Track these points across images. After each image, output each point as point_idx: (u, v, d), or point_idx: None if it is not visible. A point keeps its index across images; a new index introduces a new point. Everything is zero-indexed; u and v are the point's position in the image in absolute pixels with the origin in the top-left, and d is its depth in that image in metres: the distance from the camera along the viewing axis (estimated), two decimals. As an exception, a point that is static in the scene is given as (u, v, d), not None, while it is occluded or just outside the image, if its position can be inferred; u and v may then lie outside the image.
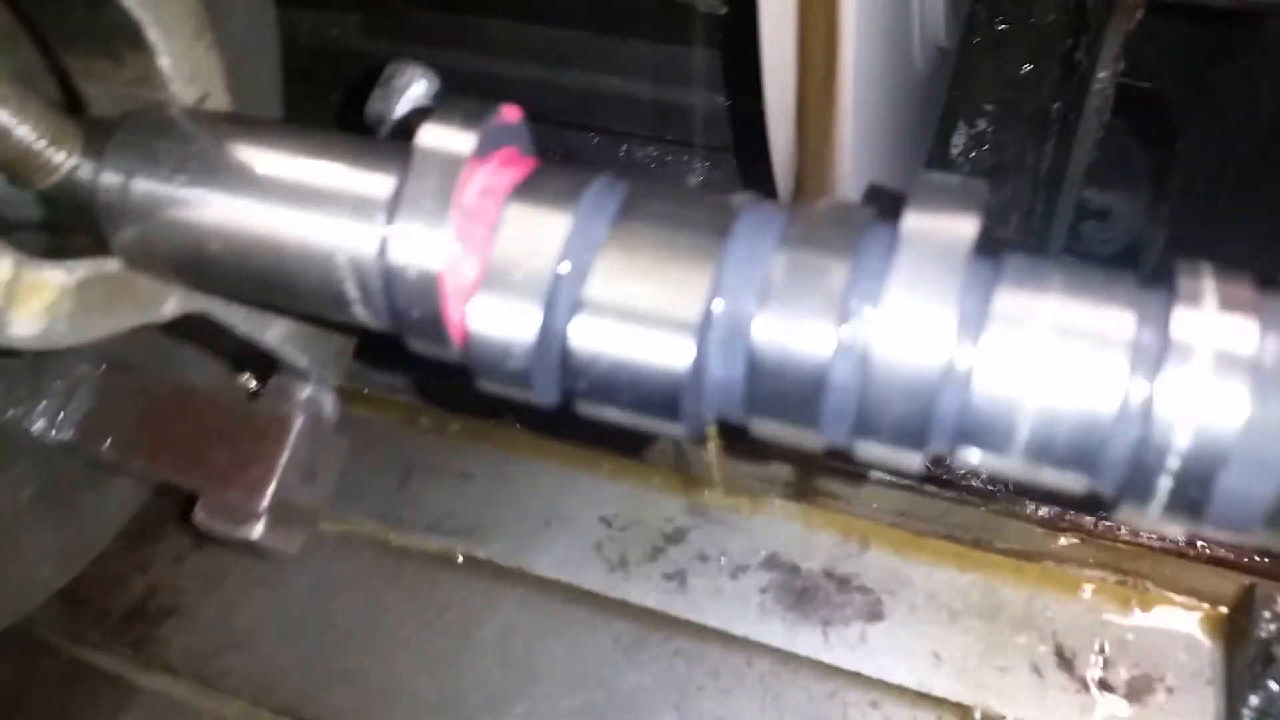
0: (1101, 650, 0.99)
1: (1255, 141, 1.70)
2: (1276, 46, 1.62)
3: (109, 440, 0.87)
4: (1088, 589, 1.03)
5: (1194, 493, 0.45)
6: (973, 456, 0.50)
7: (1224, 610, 0.99)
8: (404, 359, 1.30)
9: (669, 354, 0.52)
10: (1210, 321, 0.45)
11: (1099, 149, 1.80)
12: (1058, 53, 1.90)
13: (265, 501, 0.78)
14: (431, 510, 1.16)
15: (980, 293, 0.49)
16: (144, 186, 0.64)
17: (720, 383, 0.53)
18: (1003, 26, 1.97)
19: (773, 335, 0.50)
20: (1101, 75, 1.18)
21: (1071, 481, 0.49)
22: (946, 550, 1.07)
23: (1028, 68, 1.96)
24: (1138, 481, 0.46)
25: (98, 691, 1.06)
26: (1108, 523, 1.08)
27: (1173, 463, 0.45)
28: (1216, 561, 1.01)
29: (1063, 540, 1.06)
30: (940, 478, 1.17)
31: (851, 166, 1.02)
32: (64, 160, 0.65)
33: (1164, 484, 0.46)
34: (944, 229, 0.50)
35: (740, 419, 0.55)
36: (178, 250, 0.65)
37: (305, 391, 0.81)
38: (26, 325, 0.63)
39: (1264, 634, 0.90)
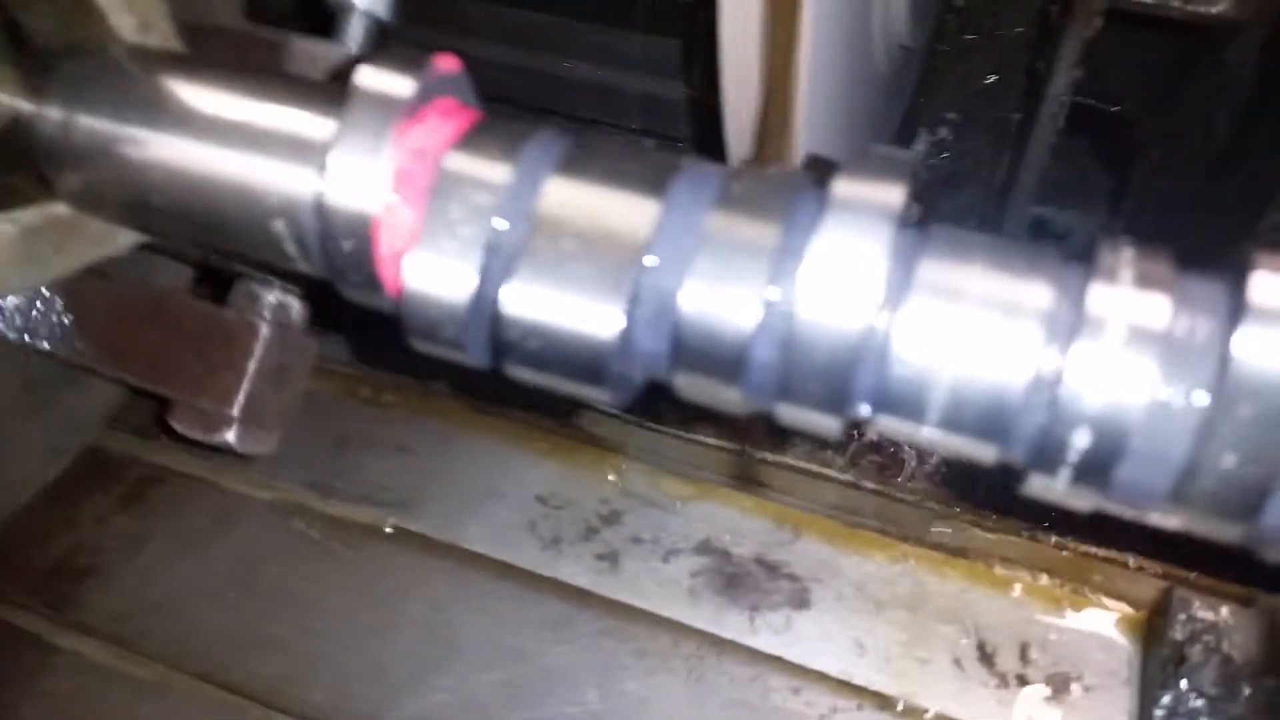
0: (1023, 647, 1.00)
1: (1208, 164, 1.73)
2: (1233, 70, 1.65)
3: (81, 345, 0.87)
4: (1013, 587, 1.05)
5: (1100, 466, 0.46)
6: (889, 423, 0.50)
7: (1142, 613, 1.00)
8: (346, 328, 1.28)
9: (597, 324, 0.51)
10: (1125, 297, 0.46)
11: (1058, 166, 1.83)
12: (1022, 65, 1.93)
13: (237, 409, 0.80)
14: (365, 481, 1.15)
15: (905, 260, 0.49)
16: (85, 127, 0.63)
17: (648, 349, 0.53)
18: (970, 36, 2.00)
19: (699, 302, 0.50)
20: (1059, 82, 1.19)
21: (983, 451, 0.49)
22: (877, 542, 1.08)
23: (992, 78, 1.99)
24: (1046, 453, 0.47)
25: (16, 651, 1.03)
26: (1035, 524, 1.10)
27: (1080, 435, 0.45)
28: (1137, 566, 1.02)
29: (991, 538, 1.07)
30: (874, 473, 1.19)
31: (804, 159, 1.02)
32: (4, 100, 0.63)
33: (1071, 456, 0.46)
34: (872, 195, 0.50)
35: (666, 379, 0.54)
36: (119, 194, 0.64)
37: (272, 297, 0.81)
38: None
39: (1178, 636, 0.92)
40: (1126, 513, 0.49)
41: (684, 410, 1.23)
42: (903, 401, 0.49)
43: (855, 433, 1.54)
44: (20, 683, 1.01)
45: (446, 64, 0.59)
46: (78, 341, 0.86)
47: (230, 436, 0.81)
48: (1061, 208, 2.02)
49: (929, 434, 0.50)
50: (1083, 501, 0.48)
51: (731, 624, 1.03)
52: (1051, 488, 0.48)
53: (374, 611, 1.06)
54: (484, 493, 1.14)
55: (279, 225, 0.60)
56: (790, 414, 0.52)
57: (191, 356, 0.83)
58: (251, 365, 0.81)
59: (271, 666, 1.02)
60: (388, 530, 1.12)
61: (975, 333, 0.47)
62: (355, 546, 1.11)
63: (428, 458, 1.17)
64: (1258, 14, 1.02)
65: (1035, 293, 0.47)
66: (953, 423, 0.49)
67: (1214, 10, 1.02)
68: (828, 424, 0.51)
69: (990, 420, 0.48)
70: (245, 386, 0.81)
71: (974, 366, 0.47)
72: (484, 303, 0.54)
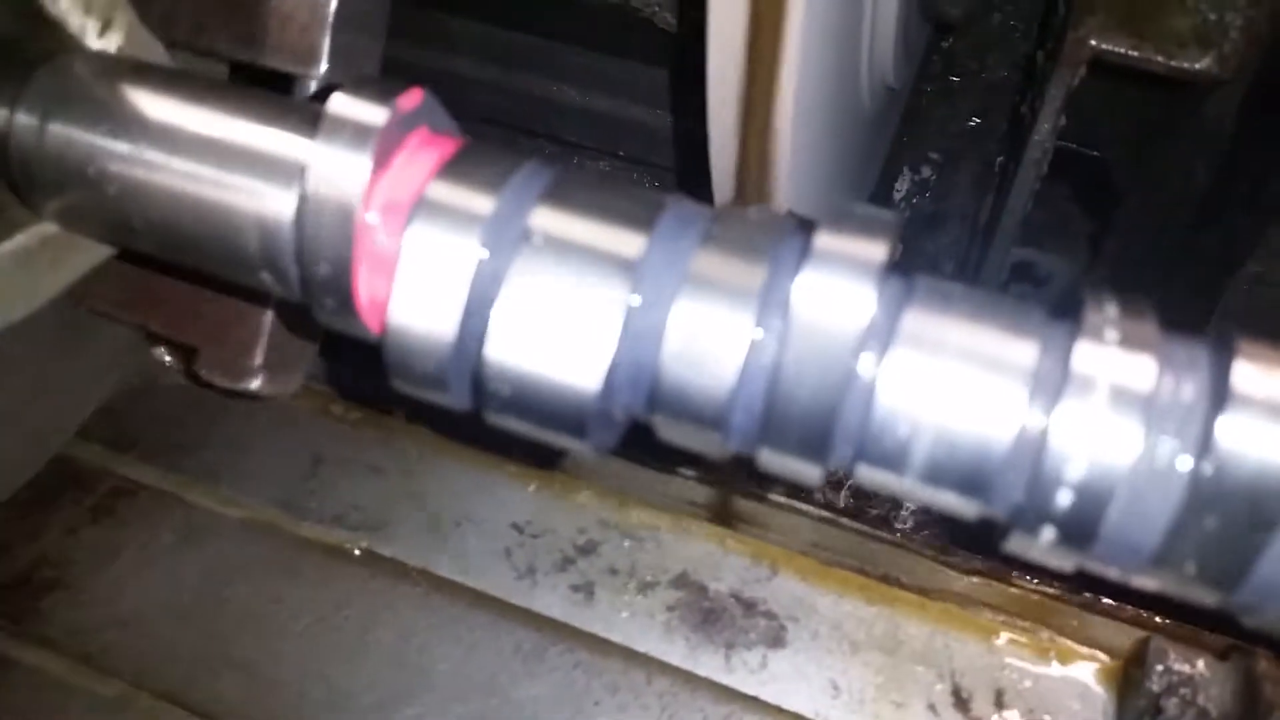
0: (998, 693, 1.00)
1: (1187, 215, 1.75)
2: (1212, 123, 1.67)
3: (103, 295, 0.86)
4: (990, 632, 1.04)
5: (1082, 526, 0.45)
6: (871, 474, 0.50)
7: (1118, 662, 1.00)
8: (325, 348, 1.28)
9: (580, 367, 0.51)
10: (1110, 357, 0.45)
11: (1041, 211, 1.84)
12: (1006, 109, 1.95)
13: (259, 358, 0.80)
14: (338, 502, 1.14)
15: (891, 309, 0.49)
16: (57, 138, 0.62)
17: (629, 388, 0.53)
18: (955, 79, 2.02)
19: (683, 343, 0.50)
20: (1043, 128, 1.20)
21: (965, 506, 0.49)
22: (854, 582, 1.07)
23: (976, 121, 2.01)
24: (1029, 511, 0.46)
25: (-31, 662, 1.01)
26: (1013, 569, 1.09)
27: (1064, 495, 0.45)
28: (1115, 615, 1.02)
29: (969, 581, 1.07)
30: (853, 512, 1.19)
31: (790, 194, 1.02)
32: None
33: (1054, 516, 0.46)
34: (857, 243, 0.50)
35: (647, 420, 0.54)
36: (91, 210, 0.63)
37: None
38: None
39: (1155, 687, 0.91)
40: (1110, 573, 0.48)
41: (664, 447, 1.22)
42: (885, 452, 0.49)
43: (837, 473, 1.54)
44: (-24, 698, 0.99)
45: (411, 100, 0.58)
46: (100, 290, 0.85)
47: (255, 384, 0.82)
48: (1043, 251, 2.04)
49: (910, 486, 0.49)
50: (1064, 561, 0.48)
51: (706, 661, 1.02)
52: (1033, 546, 0.48)
53: (342, 636, 1.04)
54: (459, 518, 1.12)
55: (253, 248, 0.59)
56: (771, 460, 0.51)
57: (212, 306, 0.82)
58: (270, 313, 0.81)
59: (235, 689, 1.01)
60: (358, 553, 1.11)
61: (960, 387, 0.47)
62: (325, 569, 1.10)
63: (403, 480, 1.15)
64: (1238, 71, 1.03)
65: (1021, 349, 0.47)
66: (934, 476, 0.48)
67: (1197, 66, 1.03)
68: (809, 472, 0.51)
69: (972, 476, 0.47)
70: (266, 334, 0.81)
71: (958, 421, 0.47)
72: (468, 339, 0.53)
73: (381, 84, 0.57)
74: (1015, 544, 0.48)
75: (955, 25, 1.70)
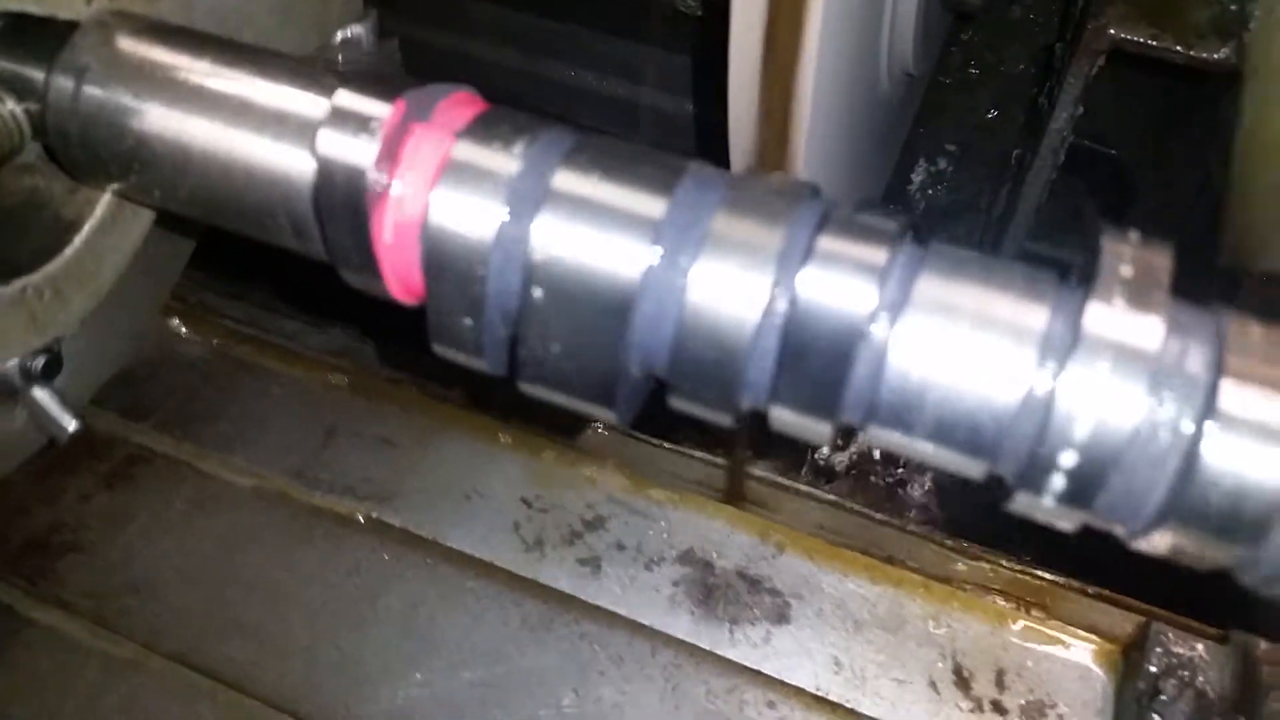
0: (999, 673, 1.01)
1: (1201, 212, 1.76)
2: (1227, 120, 1.67)
3: None
4: (993, 614, 1.05)
5: (1085, 486, 0.46)
6: (880, 433, 0.51)
7: (1118, 646, 1.01)
8: (339, 321, 1.29)
9: (603, 334, 0.53)
10: (1118, 321, 0.46)
11: (1056, 205, 1.84)
12: (1024, 101, 1.95)
13: None
14: (350, 473, 1.15)
15: (906, 273, 0.50)
16: (90, 102, 0.64)
17: (649, 341, 0.54)
18: (974, 71, 2.02)
19: (702, 297, 0.51)
20: (1060, 117, 1.20)
21: (972, 466, 0.49)
22: (859, 562, 1.08)
23: (994, 113, 2.01)
24: (1034, 470, 0.47)
25: (-13, 620, 1.03)
26: (1017, 556, 1.10)
27: (1068, 456, 0.46)
28: (1116, 601, 1.03)
29: (973, 566, 1.07)
30: (861, 498, 1.19)
31: (808, 177, 1.03)
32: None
33: (1058, 475, 0.46)
34: (873, 213, 0.51)
35: (663, 375, 0.55)
36: (129, 173, 0.65)
37: None
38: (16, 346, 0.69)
39: (1154, 669, 0.92)
40: (1115, 531, 0.49)
41: (674, 422, 1.23)
42: (895, 412, 0.50)
43: (846, 453, 1.55)
44: (-7, 654, 1.00)
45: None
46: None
47: None
48: (1058, 246, 2.04)
49: (919, 446, 0.50)
50: (1068, 521, 0.49)
51: (710, 635, 1.03)
52: (1037, 506, 0.48)
53: (351, 604, 1.06)
54: (469, 491, 1.14)
55: (277, 204, 0.60)
56: (783, 416, 0.52)
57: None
58: None
59: (245, 652, 1.02)
60: (368, 522, 1.12)
61: (970, 349, 0.48)
62: (335, 538, 1.11)
63: (414, 453, 1.17)
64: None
65: (1031, 313, 0.48)
66: (943, 436, 0.49)
67: (1216, 56, 1.03)
68: (819, 429, 0.52)
69: (980, 436, 0.48)
70: None
71: (967, 382, 0.48)
72: (495, 303, 0.54)
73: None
74: (1020, 503, 0.49)
75: (975, 15, 1.70)
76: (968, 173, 1.95)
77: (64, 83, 0.64)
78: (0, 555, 1.09)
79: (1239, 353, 0.44)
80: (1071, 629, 1.03)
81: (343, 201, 0.57)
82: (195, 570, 1.08)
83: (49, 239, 0.73)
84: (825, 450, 1.39)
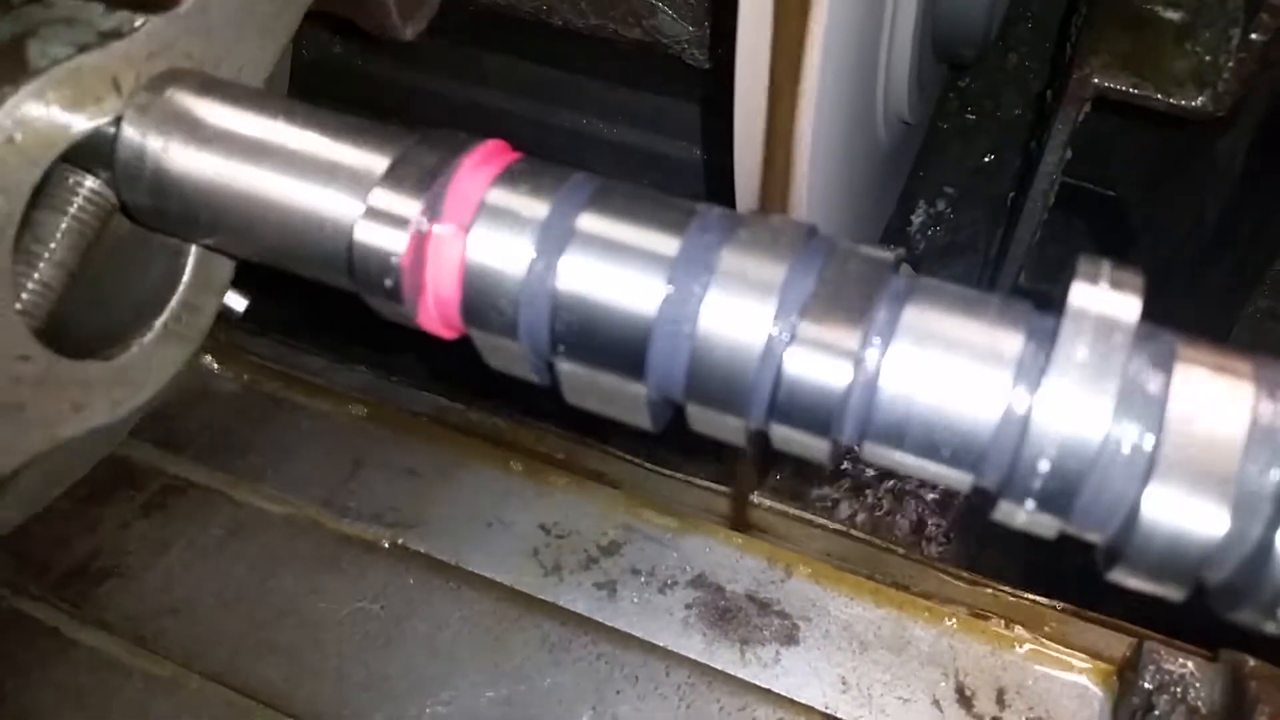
0: (1000, 691, 1.05)
1: (1198, 252, 1.81)
2: (1223, 162, 1.73)
3: None
4: (994, 636, 1.09)
5: (1060, 497, 0.52)
6: (874, 450, 0.56)
7: (1114, 666, 1.05)
8: (367, 359, 1.35)
9: (623, 364, 0.59)
10: (1087, 346, 0.52)
11: (1057, 246, 1.90)
12: (1019, 146, 2.02)
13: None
14: (377, 502, 1.20)
15: (894, 306, 0.56)
16: (157, 147, 0.70)
17: (663, 370, 0.59)
18: (971, 116, 2.09)
19: (710, 330, 0.57)
20: (1049, 160, 1.27)
21: (958, 478, 0.55)
22: (865, 586, 1.13)
23: (990, 157, 2.08)
24: (1014, 483, 0.53)
25: (33, 641, 1.08)
26: (1019, 578, 1.15)
27: (1043, 468, 0.51)
28: (1113, 625, 1.08)
29: (975, 589, 1.12)
30: (867, 527, 1.24)
31: (808, 218, 1.09)
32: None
33: (1035, 486, 0.52)
34: (867, 251, 0.57)
35: (679, 400, 0.61)
36: (189, 223, 0.71)
37: None
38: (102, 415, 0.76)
39: (1148, 685, 0.96)
40: (1092, 539, 0.54)
41: (687, 454, 1.28)
42: (887, 432, 0.55)
43: (849, 481, 1.59)
44: (39, 673, 1.05)
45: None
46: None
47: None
48: (1059, 285, 2.09)
49: (909, 461, 0.56)
50: (1047, 529, 0.54)
51: (722, 655, 1.08)
52: (1017, 514, 0.54)
53: (378, 626, 1.11)
54: (490, 519, 1.19)
55: (331, 248, 0.67)
56: (785, 435, 0.58)
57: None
58: None
59: (279, 671, 1.07)
60: (394, 549, 1.17)
61: (953, 374, 0.53)
62: (362, 563, 1.16)
63: (437, 482, 1.22)
64: (1234, 109, 1.09)
65: (1007, 339, 0.54)
66: (931, 452, 0.55)
67: (1194, 104, 1.09)
68: (818, 446, 0.57)
69: (964, 452, 0.54)
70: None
71: (951, 404, 0.53)
72: (531, 332, 0.61)
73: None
74: (1003, 511, 0.54)
75: (969, 65, 1.77)
76: (966, 215, 2.02)
77: (132, 134, 0.70)
78: (45, 581, 1.15)
79: (1187, 368, 0.50)
80: (1069, 650, 1.07)
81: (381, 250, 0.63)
82: (230, 593, 1.14)
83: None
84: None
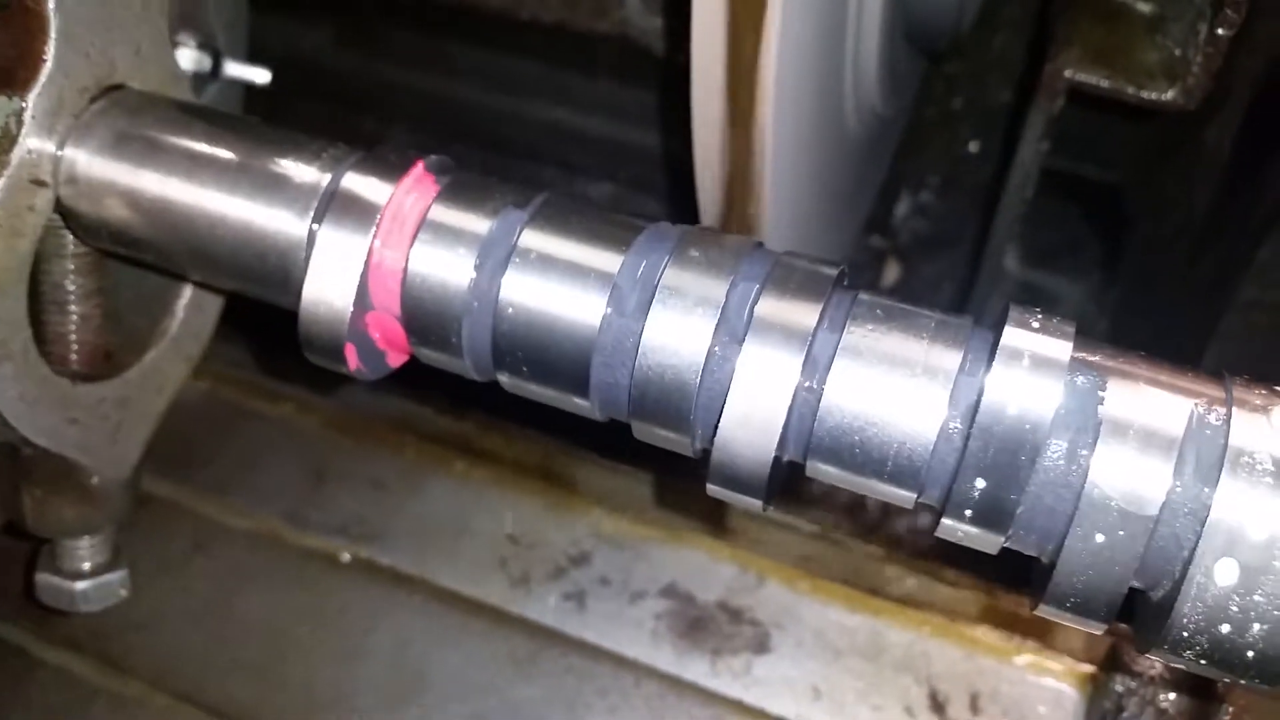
0: (973, 697, 1.03)
1: (1189, 239, 1.79)
2: (1211, 150, 1.71)
3: None
4: (968, 640, 1.08)
5: (996, 514, 0.50)
6: (818, 468, 0.54)
7: (1089, 668, 1.03)
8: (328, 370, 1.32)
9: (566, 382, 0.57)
10: (1024, 368, 0.50)
11: (1054, 235, 1.88)
12: (1004, 133, 1.99)
13: None
14: (340, 514, 1.18)
15: (835, 326, 0.54)
16: (103, 173, 0.68)
17: (606, 386, 0.58)
18: (955, 104, 2.06)
19: (651, 348, 0.55)
20: (1025, 153, 1.25)
21: (900, 495, 0.53)
22: (838, 592, 1.11)
23: (974, 145, 2.06)
24: (954, 500, 0.51)
25: (2, 663, 1.07)
26: (992, 581, 1.13)
27: (980, 483, 0.50)
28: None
29: (949, 592, 1.10)
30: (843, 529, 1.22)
31: (776, 213, 1.07)
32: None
33: (974, 503, 0.50)
34: (810, 268, 0.55)
35: (623, 418, 0.59)
36: (133, 239, 0.70)
37: None
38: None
39: (1120, 689, 0.95)
40: (1031, 552, 0.53)
41: (655, 456, 1.26)
42: (829, 450, 0.54)
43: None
44: (9, 693, 1.04)
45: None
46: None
47: None
48: (1054, 274, 2.07)
49: (852, 479, 0.54)
50: (988, 545, 0.52)
51: (693, 666, 1.06)
52: (959, 529, 0.52)
53: (343, 641, 1.09)
54: (456, 530, 1.17)
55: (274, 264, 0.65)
56: (722, 455, 0.56)
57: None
58: None
59: (245, 689, 1.05)
60: (358, 562, 1.15)
61: (891, 391, 0.52)
62: (327, 577, 1.14)
63: (402, 493, 1.20)
64: (1205, 103, 1.07)
65: (946, 357, 0.52)
66: (872, 470, 0.53)
67: (1164, 97, 1.07)
68: (759, 464, 0.55)
69: (904, 469, 0.52)
70: None
71: (891, 420, 0.52)
72: (471, 347, 0.59)
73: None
74: (945, 528, 0.52)
75: (944, 55, 1.75)
76: (951, 204, 1.99)
77: (74, 154, 0.69)
78: (10, 601, 1.13)
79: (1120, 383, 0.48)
80: (1045, 652, 1.06)
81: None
82: (196, 609, 1.12)
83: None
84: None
